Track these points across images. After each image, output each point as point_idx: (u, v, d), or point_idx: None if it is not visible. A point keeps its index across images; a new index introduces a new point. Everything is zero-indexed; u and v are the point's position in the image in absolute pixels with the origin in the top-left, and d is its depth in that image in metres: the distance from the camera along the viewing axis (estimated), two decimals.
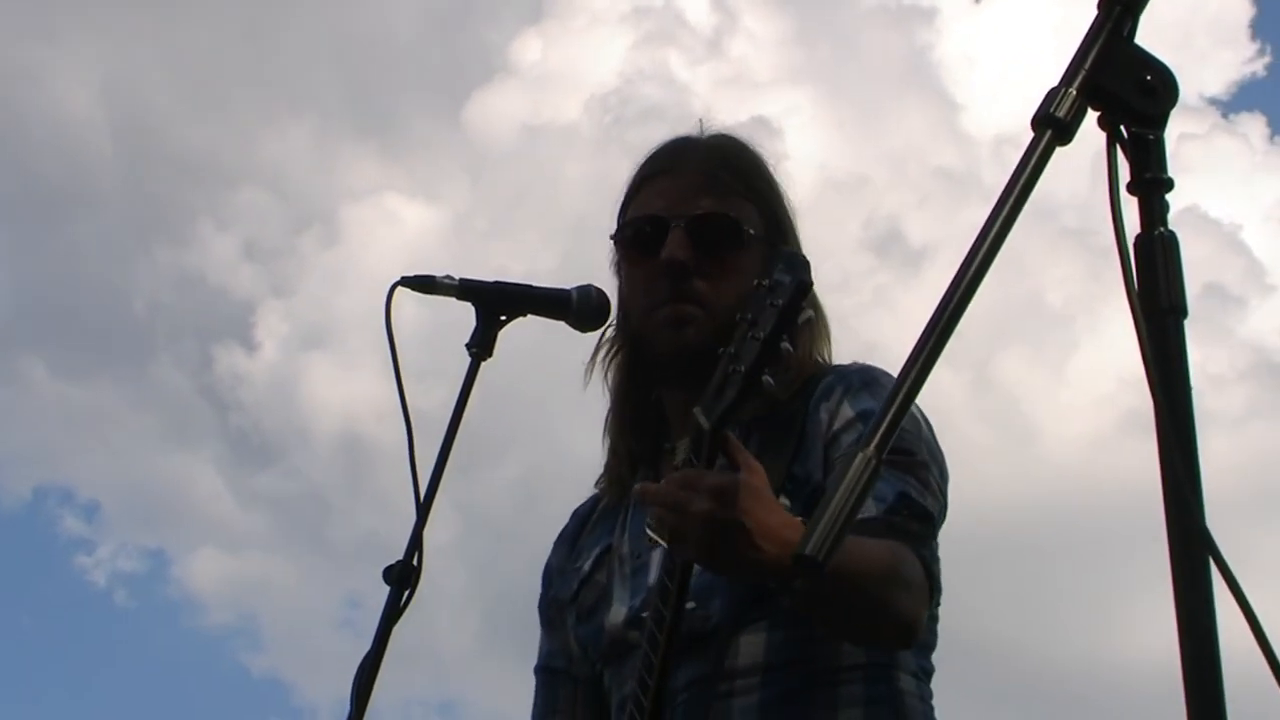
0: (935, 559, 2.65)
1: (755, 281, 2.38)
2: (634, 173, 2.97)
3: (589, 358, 2.99)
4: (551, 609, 3.03)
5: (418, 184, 16.95)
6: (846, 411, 2.73)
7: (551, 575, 3.06)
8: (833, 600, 2.46)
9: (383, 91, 17.61)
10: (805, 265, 2.37)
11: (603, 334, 2.99)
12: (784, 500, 2.65)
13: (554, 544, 3.09)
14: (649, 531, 2.45)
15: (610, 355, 2.98)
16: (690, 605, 2.62)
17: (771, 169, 2.97)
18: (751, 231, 2.83)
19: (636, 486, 2.43)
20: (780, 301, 2.33)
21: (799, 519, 2.39)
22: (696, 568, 2.49)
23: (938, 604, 2.68)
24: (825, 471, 2.68)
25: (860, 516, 2.45)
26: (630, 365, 2.93)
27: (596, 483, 3.02)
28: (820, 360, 2.88)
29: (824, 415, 2.74)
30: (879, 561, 2.48)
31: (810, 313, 2.34)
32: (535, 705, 3.03)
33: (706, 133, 2.99)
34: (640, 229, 2.89)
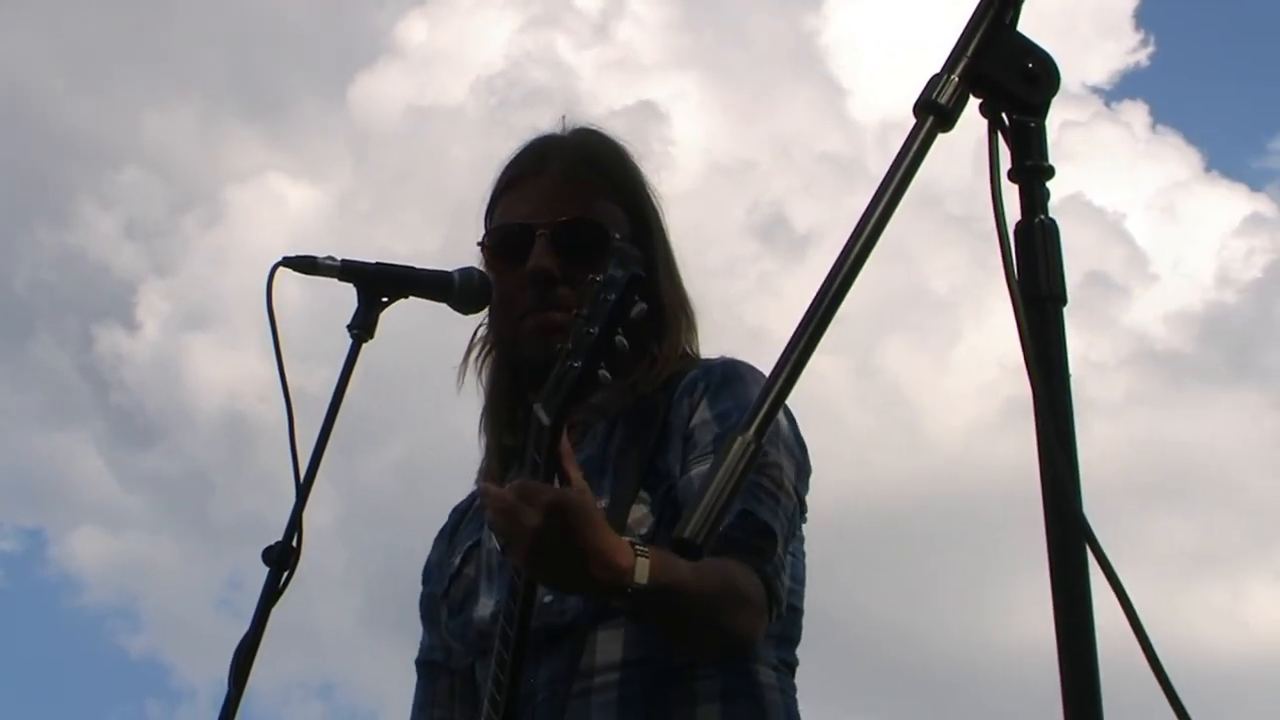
0: (778, 573, 2.64)
1: (590, 277, 2.38)
2: (497, 176, 2.97)
3: (462, 357, 3.00)
4: (429, 605, 3.03)
5: (302, 165, 16.85)
6: (705, 410, 2.73)
7: (430, 572, 3.06)
8: (667, 616, 2.50)
9: (268, 72, 17.49)
10: (637, 259, 2.37)
11: (474, 334, 3.00)
12: (643, 493, 2.67)
13: (433, 541, 3.10)
14: (488, 530, 2.45)
15: (482, 355, 2.98)
16: (547, 599, 2.64)
17: (636, 162, 2.97)
18: (617, 234, 2.83)
19: (479, 485, 2.44)
20: (613, 296, 2.33)
21: (626, 540, 2.42)
22: None
23: (779, 616, 2.66)
24: (682, 469, 2.70)
25: None
26: (501, 366, 2.94)
27: (476, 479, 3.02)
28: (688, 352, 2.89)
29: (685, 409, 2.75)
30: (713, 580, 2.50)
31: (643, 305, 2.34)
32: (415, 699, 3.04)
33: (569, 129, 2.99)
34: (506, 237, 2.89)
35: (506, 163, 2.97)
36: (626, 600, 2.40)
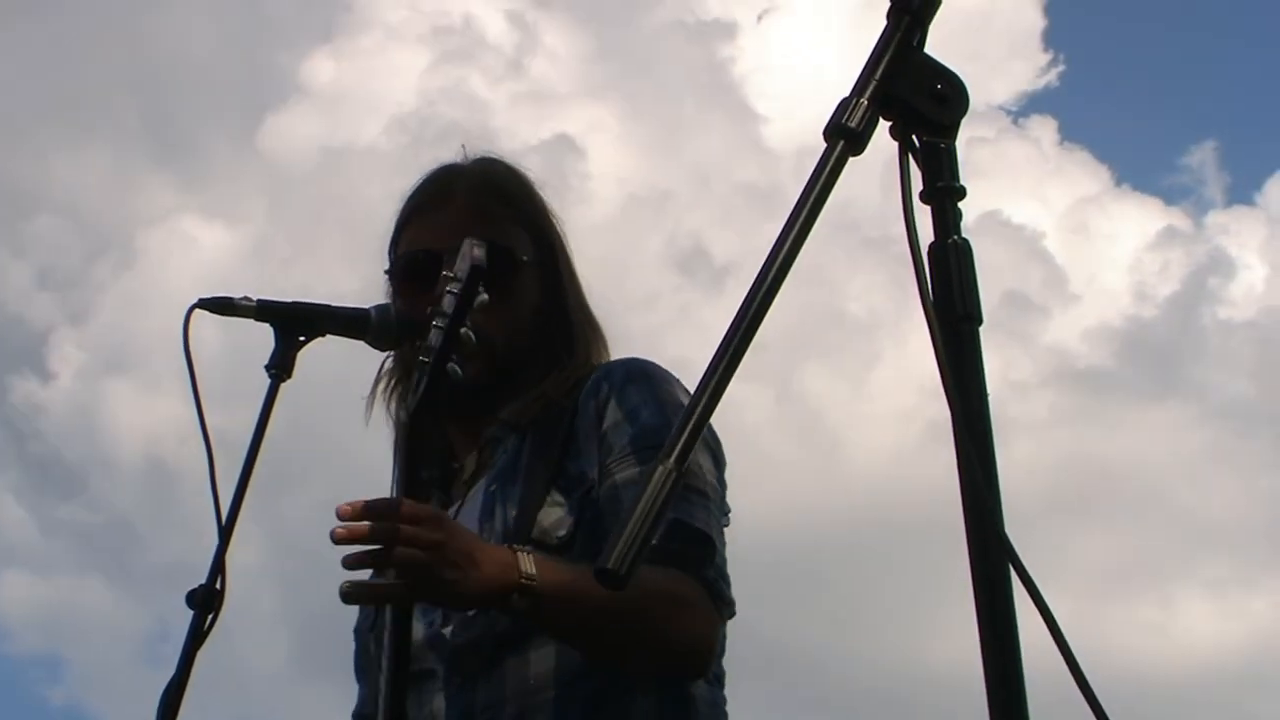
0: (720, 577, 2.65)
1: (443, 273, 2.41)
2: (401, 205, 2.99)
3: (369, 389, 3.00)
4: (362, 659, 3.01)
5: (215, 207, 16.82)
6: (614, 411, 2.74)
7: (359, 628, 3.03)
8: (583, 628, 2.50)
9: (177, 115, 17.44)
10: (479, 253, 2.38)
11: (381, 365, 3.01)
12: (557, 496, 2.67)
13: None
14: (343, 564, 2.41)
15: (390, 387, 3.00)
16: (470, 613, 2.66)
17: (537, 189, 3.01)
18: (524, 258, 2.85)
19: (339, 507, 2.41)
20: (456, 289, 2.37)
21: (505, 547, 2.43)
22: None
23: (731, 616, 2.67)
24: (600, 474, 2.69)
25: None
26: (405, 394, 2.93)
27: None
28: (596, 364, 2.90)
29: (592, 411, 2.76)
30: (653, 586, 2.48)
31: (485, 296, 2.36)
32: None
33: (470, 158, 3.02)
34: (412, 264, 2.91)
35: (409, 193, 2.99)
36: (523, 599, 2.39)
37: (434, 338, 2.38)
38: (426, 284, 2.82)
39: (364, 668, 2.99)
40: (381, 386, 2.99)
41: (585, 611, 2.46)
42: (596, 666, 2.65)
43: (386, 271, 2.98)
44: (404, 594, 2.40)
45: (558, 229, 2.99)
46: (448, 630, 2.72)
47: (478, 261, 2.37)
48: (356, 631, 3.02)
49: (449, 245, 2.82)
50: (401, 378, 2.97)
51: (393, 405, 2.98)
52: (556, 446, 2.76)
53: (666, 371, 2.81)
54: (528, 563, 2.39)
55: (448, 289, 2.38)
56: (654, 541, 2.37)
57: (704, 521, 2.64)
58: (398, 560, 2.34)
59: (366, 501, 2.37)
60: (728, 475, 2.82)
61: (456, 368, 2.38)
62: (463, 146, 3.03)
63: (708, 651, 2.61)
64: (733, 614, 2.68)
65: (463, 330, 2.37)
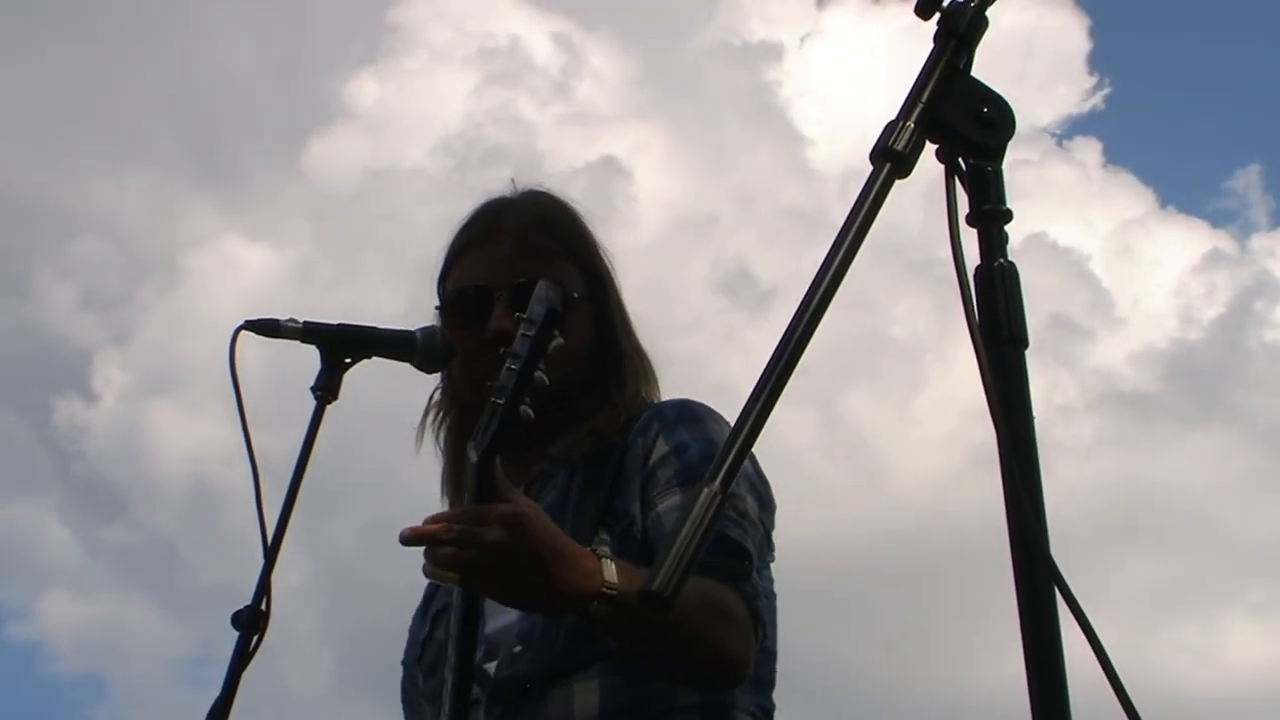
0: (758, 594, 2.64)
1: (515, 315, 2.40)
2: (451, 240, 3.00)
3: (419, 421, 3.01)
4: (408, 685, 3.00)
5: (259, 229, 16.90)
6: (662, 447, 2.75)
7: (407, 660, 3.03)
8: (648, 633, 2.48)
9: (221, 139, 17.54)
10: (554, 295, 2.39)
11: (431, 397, 3.02)
12: (603, 534, 2.67)
13: (409, 631, 3.07)
14: (425, 574, 2.42)
15: (439, 420, 3.01)
16: (517, 649, 2.66)
17: (586, 222, 3.02)
18: (575, 294, 2.85)
19: (404, 531, 2.41)
20: (531, 332, 2.36)
21: (590, 553, 2.41)
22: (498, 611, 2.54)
23: (765, 638, 2.67)
24: (644, 506, 2.70)
25: None
26: (460, 429, 2.95)
27: None
28: (647, 400, 2.92)
29: (640, 450, 2.76)
30: (694, 597, 2.47)
31: (560, 340, 2.36)
32: None
33: (519, 191, 3.03)
34: (464, 300, 2.92)
35: (459, 228, 3.00)
36: (603, 607, 2.37)
37: (505, 378, 2.37)
38: (477, 319, 2.85)
39: (411, 700, 2.99)
40: (431, 418, 3.01)
41: (650, 624, 2.43)
42: (640, 698, 2.65)
43: (437, 307, 2.99)
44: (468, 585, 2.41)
45: (606, 262, 3.00)
46: (492, 665, 2.72)
47: (553, 304, 2.36)
48: (405, 664, 3.02)
49: (498, 281, 2.85)
50: (449, 409, 2.98)
51: (441, 437, 2.99)
52: (605, 484, 2.76)
53: (717, 413, 2.82)
54: (610, 571, 2.38)
55: (522, 331, 2.37)
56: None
57: (742, 537, 2.64)
58: (448, 559, 2.34)
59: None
60: (776, 519, 2.83)
61: (529, 410, 2.38)
62: (512, 180, 3.04)
63: (745, 665, 2.59)
64: (766, 634, 2.67)
65: (537, 374, 2.37)
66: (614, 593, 2.37)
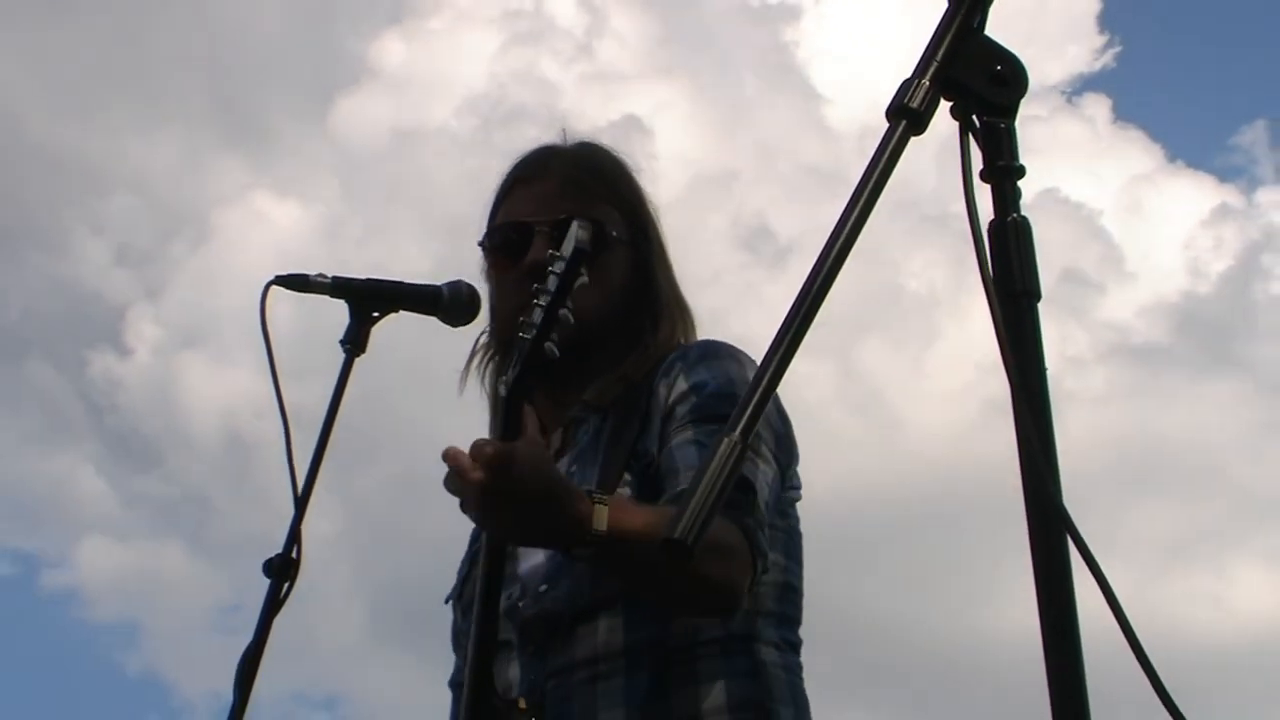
0: (759, 525, 2.63)
1: (549, 251, 2.44)
2: (501, 180, 3.04)
3: (464, 363, 3.04)
4: (454, 629, 3.02)
5: (288, 186, 16.91)
6: (681, 385, 2.78)
7: (450, 600, 3.06)
8: (635, 567, 2.50)
9: (249, 98, 17.53)
10: (584, 235, 2.42)
11: (476, 340, 3.05)
12: (629, 478, 2.69)
13: (456, 575, 3.09)
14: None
15: (485, 361, 3.03)
16: (542, 588, 2.71)
17: (633, 173, 3.05)
18: (614, 234, 2.89)
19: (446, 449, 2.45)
20: (559, 269, 2.39)
21: (582, 489, 2.44)
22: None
23: (765, 570, 2.65)
24: (660, 445, 2.73)
25: (675, 490, 2.50)
26: (501, 370, 2.95)
27: None
28: (682, 345, 2.93)
29: (663, 390, 2.79)
30: None
31: (585, 279, 2.39)
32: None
33: (570, 140, 3.07)
34: (505, 235, 2.95)
35: (510, 167, 3.04)
36: (589, 549, 2.41)
37: (535, 315, 2.41)
38: (517, 254, 2.88)
39: (455, 636, 3.02)
40: (476, 361, 3.04)
41: (640, 560, 2.46)
42: (662, 631, 2.69)
43: (480, 242, 3.02)
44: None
45: (651, 211, 3.02)
46: (522, 603, 2.77)
47: (581, 243, 2.39)
48: (447, 601, 3.04)
49: (540, 216, 2.88)
50: (495, 353, 3.01)
51: (487, 380, 3.02)
52: (633, 428, 2.79)
53: (739, 350, 2.84)
54: (601, 519, 2.39)
55: (550, 269, 2.41)
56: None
57: (750, 471, 2.65)
58: (461, 499, 2.38)
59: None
60: (800, 451, 2.85)
61: (554, 346, 2.41)
62: (563, 130, 3.08)
63: (739, 594, 2.59)
64: (767, 566, 2.66)
65: (562, 311, 2.40)
66: (598, 538, 2.40)
